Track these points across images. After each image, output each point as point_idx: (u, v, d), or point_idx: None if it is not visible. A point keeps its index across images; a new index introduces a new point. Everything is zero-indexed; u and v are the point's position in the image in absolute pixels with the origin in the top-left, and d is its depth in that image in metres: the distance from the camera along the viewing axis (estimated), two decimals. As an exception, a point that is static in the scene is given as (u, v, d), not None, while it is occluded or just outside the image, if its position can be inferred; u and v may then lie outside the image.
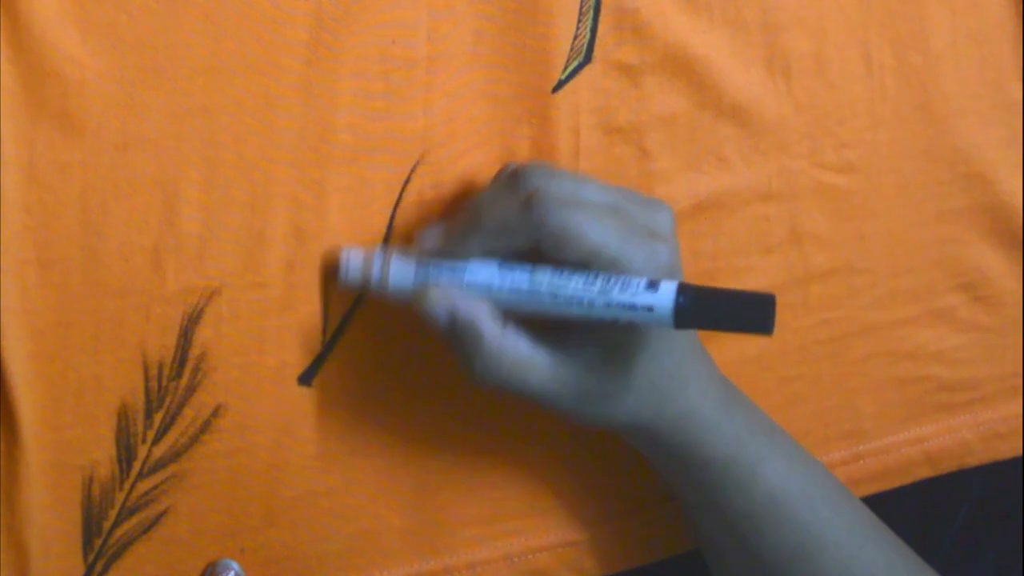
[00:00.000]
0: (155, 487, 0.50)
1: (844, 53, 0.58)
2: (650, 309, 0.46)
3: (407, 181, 0.52)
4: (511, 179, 0.49)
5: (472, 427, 0.54)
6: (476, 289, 0.48)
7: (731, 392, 0.53)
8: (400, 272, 0.49)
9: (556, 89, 0.53)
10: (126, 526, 0.50)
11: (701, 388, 0.51)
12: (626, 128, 0.55)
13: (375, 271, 0.49)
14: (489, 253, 0.48)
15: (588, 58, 0.54)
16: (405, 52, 0.51)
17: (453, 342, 0.48)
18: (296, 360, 0.51)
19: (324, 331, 0.51)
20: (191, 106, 0.48)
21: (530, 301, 0.47)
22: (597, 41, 0.54)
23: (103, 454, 0.49)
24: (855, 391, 0.60)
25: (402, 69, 0.51)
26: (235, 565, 0.51)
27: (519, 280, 0.47)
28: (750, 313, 0.46)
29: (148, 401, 0.49)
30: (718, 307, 0.46)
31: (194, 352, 0.49)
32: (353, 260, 0.50)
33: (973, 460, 0.62)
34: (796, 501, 0.52)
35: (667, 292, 0.46)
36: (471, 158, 0.53)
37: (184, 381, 0.49)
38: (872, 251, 0.60)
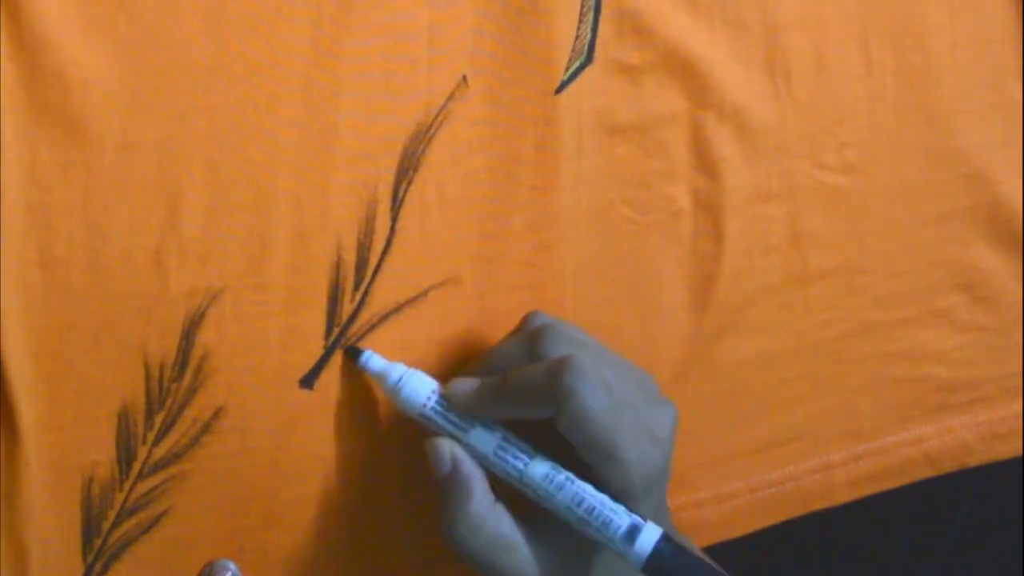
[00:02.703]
0: (155, 488, 0.50)
1: (844, 53, 0.58)
2: (623, 555, 0.48)
3: (409, 183, 0.52)
4: (535, 338, 0.50)
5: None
6: (474, 453, 0.49)
7: None
8: (414, 392, 0.50)
9: (559, 90, 0.53)
10: (126, 526, 0.50)
11: None
12: (627, 128, 0.55)
13: (392, 377, 0.50)
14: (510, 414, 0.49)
15: (590, 58, 0.54)
16: (407, 53, 0.51)
17: (443, 493, 0.49)
18: (298, 363, 0.51)
19: (326, 334, 0.51)
20: (193, 107, 0.48)
21: (518, 488, 0.49)
22: (598, 41, 0.54)
23: (103, 455, 0.49)
24: (854, 391, 0.61)
25: (404, 70, 0.51)
26: (232, 565, 0.51)
27: (512, 468, 0.49)
28: None
29: (149, 402, 0.49)
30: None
31: (196, 354, 0.49)
32: (375, 359, 0.51)
33: (973, 460, 0.62)
34: None
35: (643, 545, 0.47)
36: (474, 160, 0.53)
37: (185, 383, 0.49)
38: (872, 251, 0.60)
